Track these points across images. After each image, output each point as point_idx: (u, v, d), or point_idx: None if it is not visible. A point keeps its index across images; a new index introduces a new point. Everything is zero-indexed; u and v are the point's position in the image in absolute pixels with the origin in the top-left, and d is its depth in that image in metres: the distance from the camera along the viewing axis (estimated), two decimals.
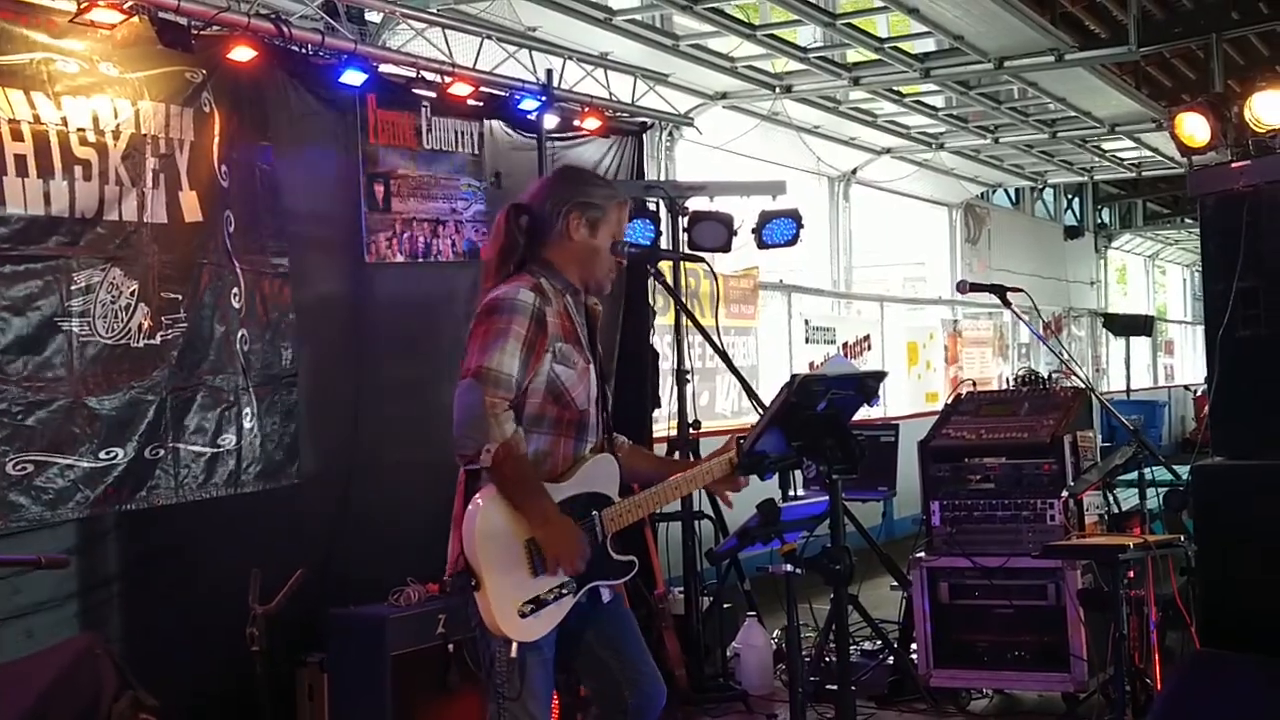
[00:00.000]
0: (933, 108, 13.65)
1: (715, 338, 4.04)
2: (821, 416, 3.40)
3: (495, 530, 3.50)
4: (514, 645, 3.50)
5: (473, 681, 6.28)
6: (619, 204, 3.82)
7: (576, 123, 7.86)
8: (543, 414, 3.64)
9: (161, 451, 5.72)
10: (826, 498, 3.52)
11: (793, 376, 3.37)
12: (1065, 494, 6.32)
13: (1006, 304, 5.91)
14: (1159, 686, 5.72)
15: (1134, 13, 11.53)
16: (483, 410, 3.48)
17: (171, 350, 5.75)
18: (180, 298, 5.78)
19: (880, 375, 3.67)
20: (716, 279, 4.33)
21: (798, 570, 3.67)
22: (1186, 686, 5.29)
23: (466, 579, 3.52)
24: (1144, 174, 18.19)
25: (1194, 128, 6.54)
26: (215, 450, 5.94)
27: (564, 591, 3.57)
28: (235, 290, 6.04)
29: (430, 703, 6.05)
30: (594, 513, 3.66)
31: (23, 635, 5.20)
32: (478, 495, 3.54)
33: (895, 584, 7.34)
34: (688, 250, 7.33)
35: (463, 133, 7.36)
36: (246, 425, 6.08)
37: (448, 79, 6.96)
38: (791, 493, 4.10)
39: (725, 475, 3.79)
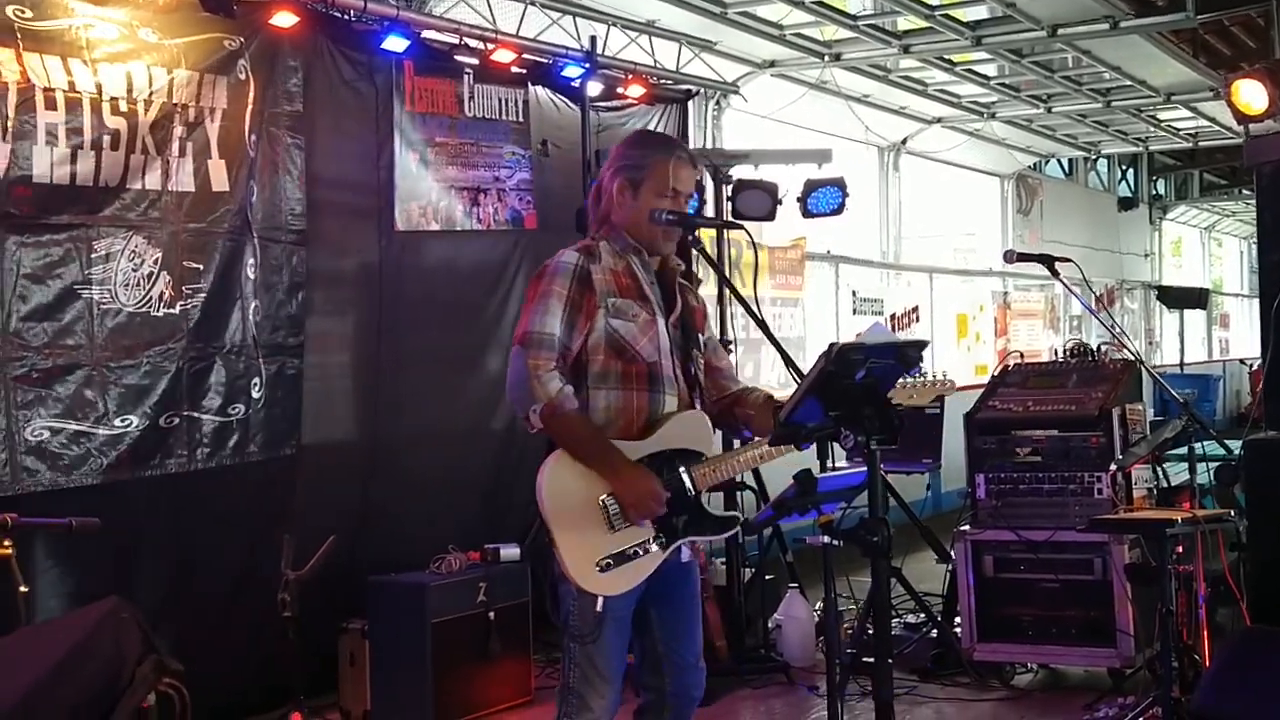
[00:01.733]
0: (984, 76, 13.45)
1: (755, 308, 3.98)
2: (860, 386, 3.33)
3: (566, 488, 3.55)
4: (599, 599, 3.53)
5: (513, 649, 6.31)
6: (661, 160, 3.75)
7: (620, 90, 7.81)
8: (609, 370, 3.65)
9: (176, 420, 5.76)
10: (865, 468, 3.45)
11: (830, 345, 3.30)
12: (1113, 467, 6.22)
13: (1055, 274, 5.80)
14: (1207, 663, 5.63)
15: None
16: (527, 373, 3.55)
17: (190, 319, 5.78)
18: (201, 267, 5.81)
19: (921, 344, 3.60)
20: (756, 248, 4.27)
21: (835, 542, 3.61)
22: (1235, 663, 5.21)
23: (545, 535, 3.57)
24: (1201, 144, 17.88)
25: (1251, 95, 6.41)
26: (225, 420, 5.98)
27: (650, 546, 3.59)
28: (251, 261, 6.05)
29: (471, 669, 6.08)
30: (682, 468, 3.66)
31: (53, 600, 5.27)
32: (551, 454, 3.60)
33: (938, 559, 7.27)
34: (730, 219, 7.26)
35: (506, 100, 7.33)
36: (255, 395, 6.10)
37: (490, 46, 6.92)
38: (831, 463, 4.05)
39: None
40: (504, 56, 6.98)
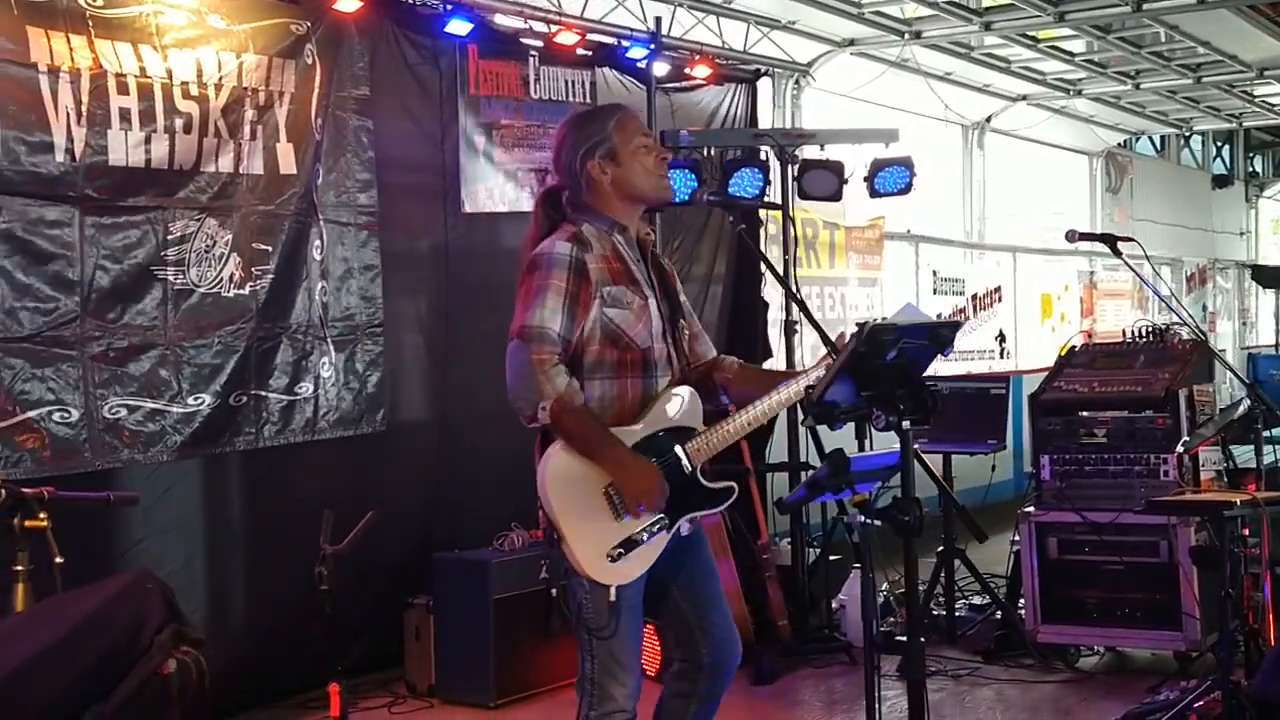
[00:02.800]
0: (1069, 53, 13.24)
1: (795, 288, 3.99)
2: (892, 366, 3.34)
3: (570, 480, 3.53)
4: (612, 589, 3.52)
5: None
6: (616, 120, 3.74)
7: (687, 70, 7.82)
8: (603, 359, 3.63)
9: (245, 398, 5.90)
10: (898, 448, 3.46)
11: (861, 325, 3.30)
12: (1179, 449, 6.14)
13: (1117, 254, 5.73)
14: (1273, 646, 5.55)
15: None
16: (531, 369, 3.50)
17: (258, 299, 5.92)
18: (270, 249, 5.94)
19: (955, 325, 3.59)
20: (795, 227, 4.26)
21: (873, 521, 3.62)
22: None
23: (553, 528, 3.56)
24: None
25: None
26: (292, 398, 6.11)
27: (656, 529, 3.58)
28: (317, 243, 6.17)
29: (532, 646, 6.16)
30: (676, 446, 3.65)
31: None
32: (550, 448, 3.56)
33: (1013, 539, 7.21)
34: (797, 200, 7.27)
35: (573, 82, 7.39)
36: (324, 374, 6.23)
37: (554, 28, 6.97)
38: (870, 443, 4.05)
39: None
40: (568, 39, 7.04)
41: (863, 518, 3.61)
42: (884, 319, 3.51)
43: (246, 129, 5.85)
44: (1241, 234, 21.39)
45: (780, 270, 7.22)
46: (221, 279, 5.76)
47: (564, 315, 3.55)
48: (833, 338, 3.69)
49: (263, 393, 5.99)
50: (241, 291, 5.86)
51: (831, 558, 7.42)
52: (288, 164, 6.00)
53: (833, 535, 7.46)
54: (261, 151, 5.89)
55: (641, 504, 3.52)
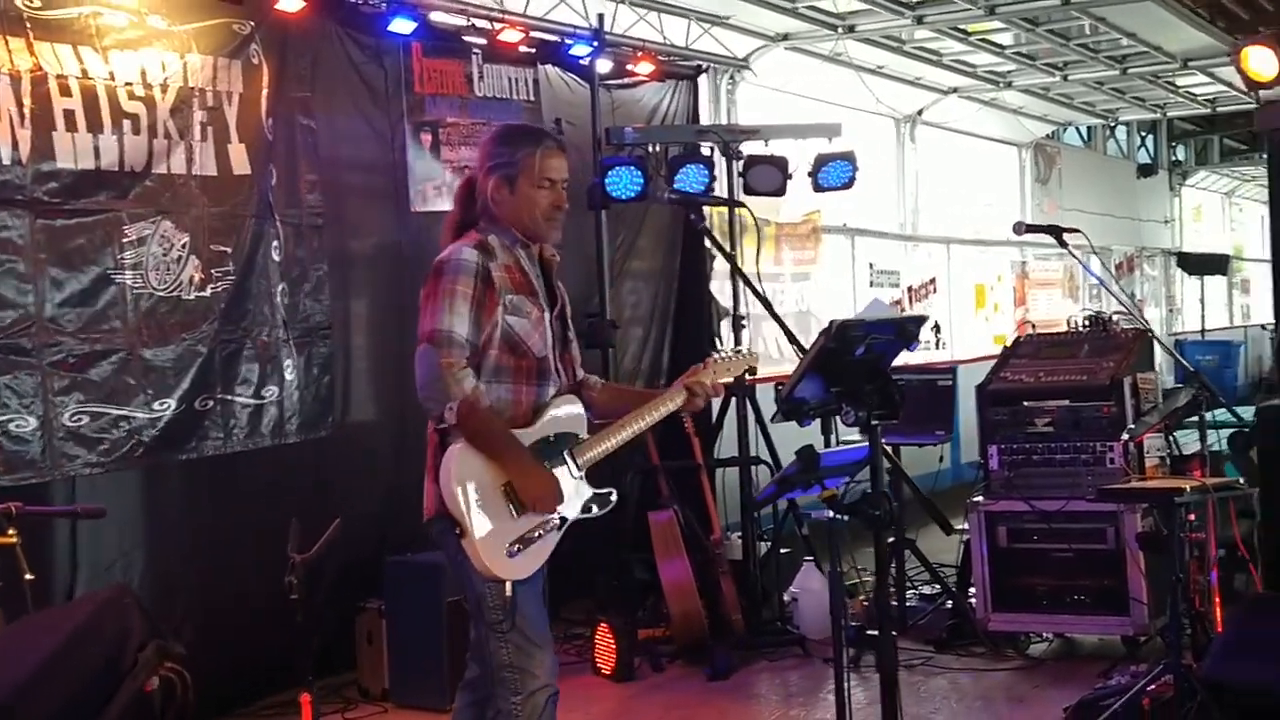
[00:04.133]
0: (999, 45, 13.38)
1: (757, 283, 4.02)
2: (860, 362, 3.37)
3: (472, 478, 3.63)
4: (508, 584, 3.61)
5: None
6: (529, 154, 3.82)
7: (630, 67, 7.82)
8: (502, 365, 3.75)
9: (211, 403, 5.83)
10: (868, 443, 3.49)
11: (831, 322, 3.34)
12: (1125, 437, 6.24)
13: (1063, 245, 5.82)
14: (1219, 629, 5.66)
15: None
16: (440, 372, 3.61)
17: (220, 302, 5.87)
18: (229, 250, 5.88)
19: (920, 320, 3.64)
20: (758, 224, 4.30)
21: (840, 516, 3.65)
22: (1245, 629, 5.23)
23: (445, 524, 3.65)
24: (1220, 110, 17.73)
25: (1261, 61, 6.40)
26: (259, 402, 6.05)
27: (549, 528, 3.70)
28: (276, 243, 6.12)
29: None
30: (565, 451, 3.79)
31: (98, 584, 5.35)
32: (452, 446, 3.65)
33: (957, 528, 7.30)
34: (742, 195, 7.30)
35: (516, 79, 7.36)
36: (288, 377, 6.18)
37: (497, 26, 6.95)
38: (836, 438, 4.09)
39: (684, 404, 3.93)
40: (512, 36, 7.01)
41: (830, 513, 3.64)
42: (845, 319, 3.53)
43: (196, 130, 5.78)
44: (1166, 222, 21.74)
45: (729, 267, 7.25)
46: (181, 282, 5.69)
47: (470, 320, 3.67)
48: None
49: (229, 397, 5.92)
50: (202, 294, 5.79)
51: (782, 551, 7.46)
52: (241, 165, 5.94)
53: (783, 528, 7.50)
54: (214, 152, 5.83)
55: (538, 504, 3.65)
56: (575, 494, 3.78)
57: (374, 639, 6.29)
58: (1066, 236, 5.85)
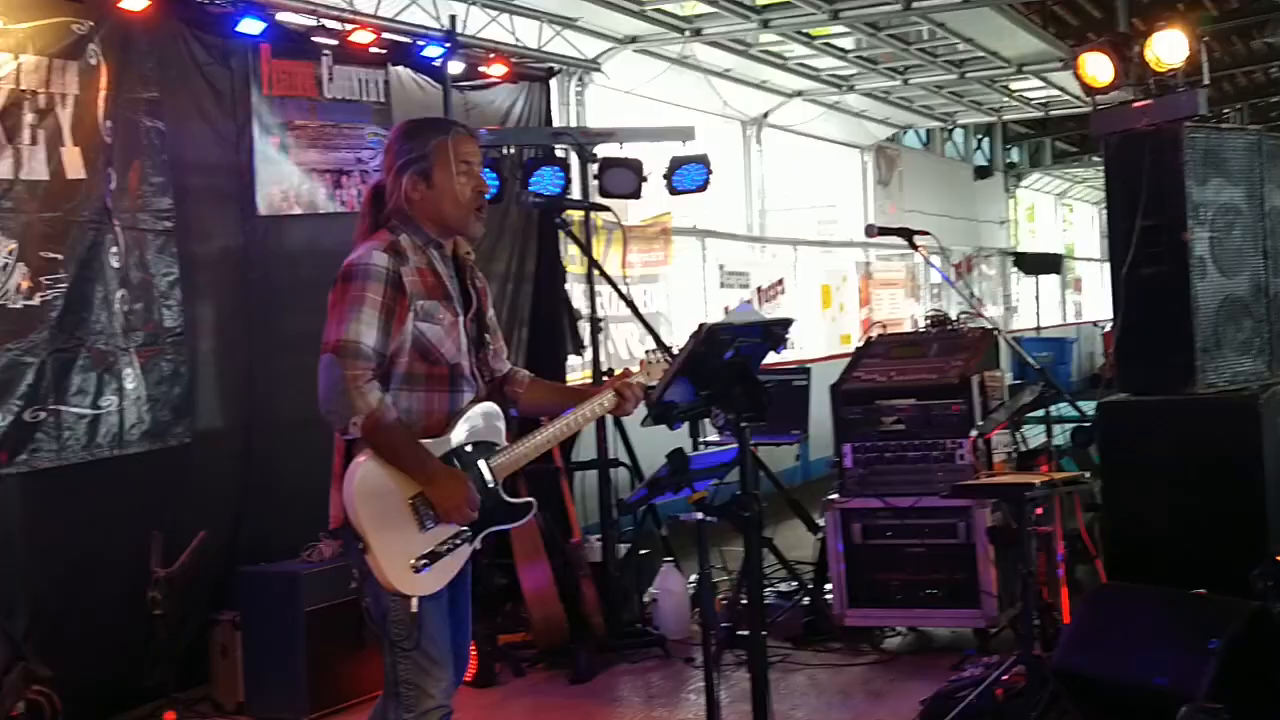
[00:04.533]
0: (842, 50, 13.64)
1: (621, 285, 4.02)
2: (729, 365, 3.40)
3: (377, 490, 3.49)
4: (414, 600, 3.49)
5: None
6: (440, 142, 3.69)
7: (482, 69, 7.78)
8: (413, 372, 3.61)
9: (43, 414, 5.64)
10: (736, 445, 3.52)
11: (700, 325, 3.36)
12: (974, 433, 6.40)
13: (915, 247, 5.95)
14: (1067, 620, 5.83)
15: None
16: (344, 384, 3.46)
17: (51, 311, 5.67)
18: (60, 257, 5.69)
19: (787, 322, 3.67)
20: (622, 228, 4.29)
21: (709, 518, 3.67)
22: (1092, 619, 5.39)
23: (349, 536, 3.52)
24: (1052, 113, 18.32)
25: (1097, 68, 6.59)
26: (97, 412, 5.88)
27: (459, 541, 3.58)
28: (115, 249, 5.95)
29: (345, 657, 6.03)
30: (480, 461, 3.66)
31: None
32: (358, 456, 3.51)
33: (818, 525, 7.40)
34: (598, 198, 7.29)
35: (367, 81, 7.27)
36: (129, 386, 6.01)
37: (348, 26, 6.84)
38: (703, 439, 4.11)
39: (613, 408, 3.81)
40: (363, 37, 6.92)
41: (700, 514, 3.66)
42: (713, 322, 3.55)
43: (26, 133, 5.56)
44: (1002, 222, 22.37)
45: (586, 269, 7.25)
46: (8, 290, 5.48)
47: (379, 329, 3.52)
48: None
49: (63, 407, 5.71)
50: (31, 302, 5.57)
51: (641, 552, 7.49)
52: (75, 169, 5.73)
53: (641, 529, 7.53)
54: (45, 156, 5.62)
55: (451, 517, 3.53)
56: (490, 506, 3.64)
57: (228, 651, 6.14)
58: (916, 239, 5.97)
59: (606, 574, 7.18)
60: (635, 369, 3.83)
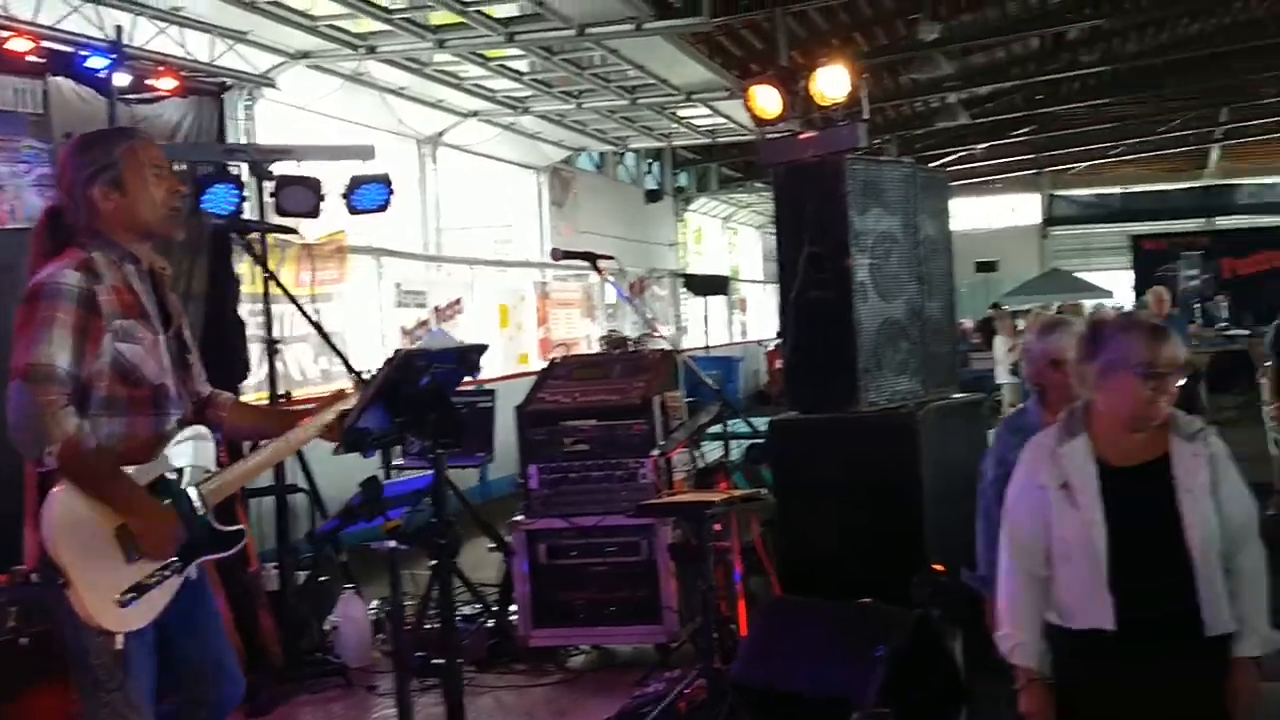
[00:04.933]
0: (517, 72, 13.77)
1: (305, 306, 3.93)
2: (425, 391, 3.38)
3: (77, 522, 3.30)
4: (118, 638, 3.33)
5: (49, 675, 5.91)
6: (128, 149, 3.54)
7: (151, 82, 7.47)
8: (114, 396, 3.42)
9: None
10: (429, 472, 3.50)
11: (396, 352, 3.33)
12: (655, 453, 6.55)
13: (599, 271, 6.05)
14: (744, 632, 6.03)
15: None
16: (38, 411, 3.25)
17: None
18: None
19: (481, 348, 3.67)
20: (305, 248, 4.20)
21: (402, 546, 3.63)
22: (767, 632, 5.59)
23: (49, 573, 3.32)
24: (718, 140, 18.98)
25: (766, 100, 6.87)
26: None
27: (168, 573, 3.41)
28: None
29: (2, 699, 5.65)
30: (190, 487, 3.50)
31: None
32: (55, 488, 3.30)
33: (493, 545, 7.41)
34: (274, 216, 7.12)
35: (23, 91, 6.89)
36: None
37: (3, 34, 6.46)
38: (396, 462, 4.06)
39: (326, 433, 3.69)
40: (19, 45, 6.54)
41: (393, 543, 3.62)
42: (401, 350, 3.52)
43: None
44: (672, 245, 23.00)
45: (262, 289, 7.04)
46: None
47: (72, 351, 3.32)
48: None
49: None
50: None
51: (320, 579, 7.33)
52: None
53: (320, 556, 7.36)
54: None
55: (152, 551, 3.37)
56: (201, 535, 3.47)
57: None
58: (600, 262, 6.07)
59: (284, 602, 6.99)
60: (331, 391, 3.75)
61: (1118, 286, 30.07)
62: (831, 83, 6.72)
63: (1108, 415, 3.42)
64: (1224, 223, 32.07)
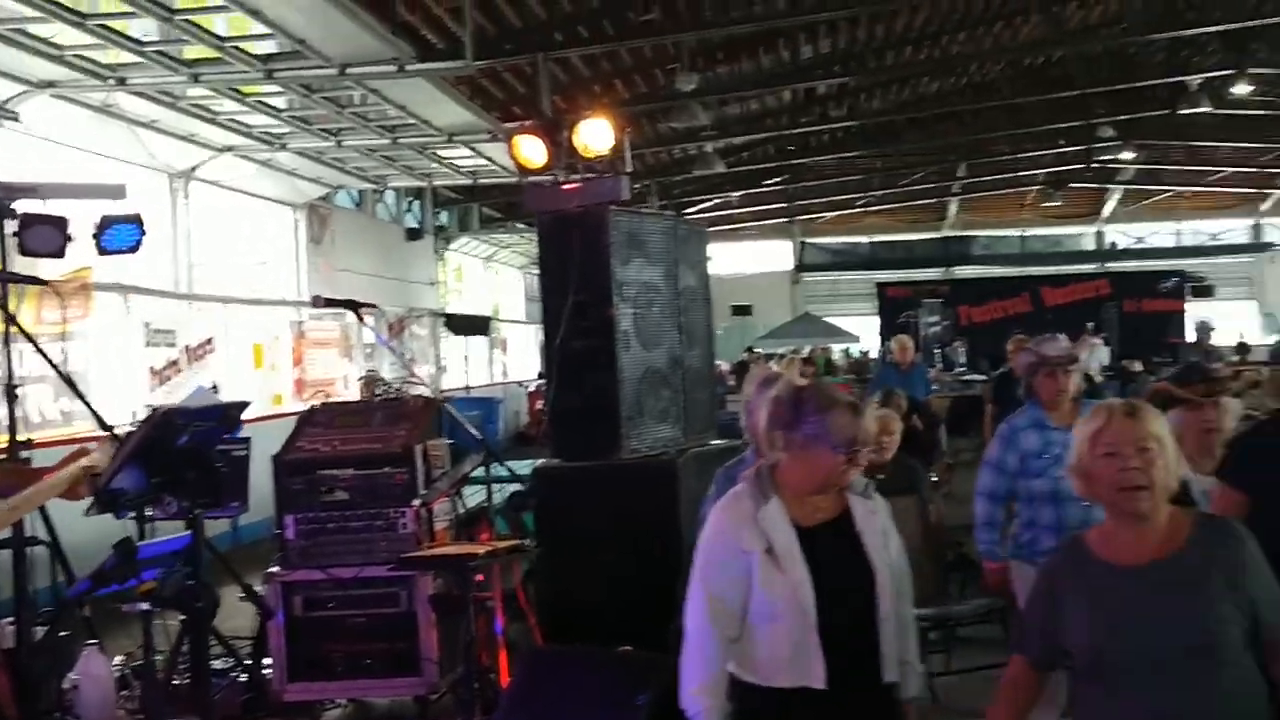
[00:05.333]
0: (275, 108, 13.50)
1: (44, 347, 3.78)
2: (184, 450, 3.28)
3: None
4: None
5: None
6: None
7: None
8: None
9: None
10: (186, 533, 3.39)
11: (154, 410, 3.23)
12: (416, 502, 6.48)
13: (361, 319, 5.97)
14: (505, 681, 6.01)
15: (469, 28, 12.05)
16: None
17: None
18: None
19: (242, 405, 3.62)
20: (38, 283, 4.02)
21: (154, 608, 3.51)
22: (528, 682, 5.58)
23: None
24: (480, 181, 18.95)
25: (531, 150, 6.93)
26: None
27: None
28: None
29: None
30: None
31: None
32: None
33: (243, 595, 7.19)
34: (16, 257, 6.80)
35: None
36: None
37: None
38: (141, 531, 3.93)
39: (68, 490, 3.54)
40: None
41: (146, 605, 3.50)
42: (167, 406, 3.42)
43: None
44: (432, 284, 22.85)
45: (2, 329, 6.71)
46: None
47: None
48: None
49: None
50: None
51: (60, 635, 6.98)
52: None
53: (60, 611, 7.01)
54: None
55: None
56: None
57: None
58: (362, 310, 6.00)
59: (20, 660, 6.63)
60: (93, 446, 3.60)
61: (865, 331, 31.19)
62: (595, 135, 6.83)
63: (798, 480, 3.54)
64: (962, 272, 33.61)
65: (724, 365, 20.67)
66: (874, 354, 27.84)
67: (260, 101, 13.12)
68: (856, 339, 30.89)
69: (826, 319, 32.21)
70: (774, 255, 35.23)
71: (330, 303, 6.14)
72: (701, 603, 3.51)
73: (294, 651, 6.57)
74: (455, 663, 6.34)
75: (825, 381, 3.88)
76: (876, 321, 31.04)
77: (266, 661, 6.80)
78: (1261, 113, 24.05)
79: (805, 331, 30.54)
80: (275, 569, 6.61)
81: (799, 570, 3.44)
